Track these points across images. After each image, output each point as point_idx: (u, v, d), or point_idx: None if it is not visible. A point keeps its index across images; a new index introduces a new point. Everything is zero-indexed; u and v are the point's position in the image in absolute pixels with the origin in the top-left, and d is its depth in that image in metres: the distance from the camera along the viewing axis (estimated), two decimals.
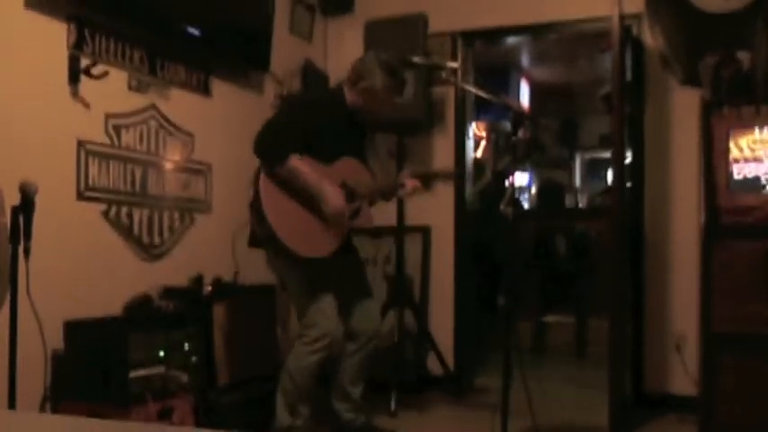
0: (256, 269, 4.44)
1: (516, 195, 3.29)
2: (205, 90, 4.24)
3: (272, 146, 3.34)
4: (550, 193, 9.36)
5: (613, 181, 4.26)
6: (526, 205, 10.17)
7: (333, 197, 3.40)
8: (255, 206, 3.35)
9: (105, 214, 3.56)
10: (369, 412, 3.85)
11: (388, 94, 3.62)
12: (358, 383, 3.73)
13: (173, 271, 3.89)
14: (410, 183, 3.67)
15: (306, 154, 3.39)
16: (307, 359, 3.44)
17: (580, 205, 10.39)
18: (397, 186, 3.70)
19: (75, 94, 3.39)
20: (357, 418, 3.73)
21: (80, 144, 3.42)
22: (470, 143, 5.35)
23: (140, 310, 3.47)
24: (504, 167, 3.34)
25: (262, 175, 3.34)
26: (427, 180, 3.75)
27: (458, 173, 4.12)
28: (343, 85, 3.66)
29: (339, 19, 5.41)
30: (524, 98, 9.79)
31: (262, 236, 3.41)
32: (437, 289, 5.17)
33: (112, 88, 3.59)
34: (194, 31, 3.96)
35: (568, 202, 10.20)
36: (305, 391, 3.49)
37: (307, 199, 3.39)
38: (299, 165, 3.35)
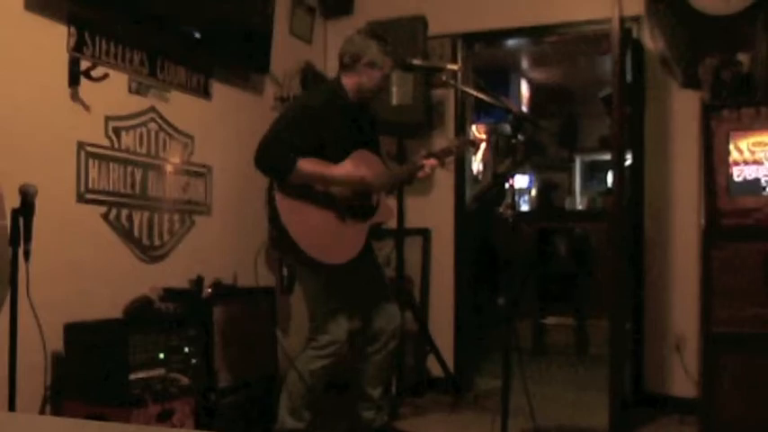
0: (256, 271, 4.45)
1: (516, 197, 3.28)
2: (205, 92, 4.24)
3: (275, 158, 3.29)
4: (548, 193, 9.39)
5: (613, 183, 4.26)
6: (525, 207, 10.18)
7: (345, 173, 3.38)
8: (274, 219, 3.31)
9: (105, 216, 3.56)
10: (389, 412, 3.87)
11: (387, 62, 3.58)
12: (378, 385, 3.73)
13: (173, 273, 3.89)
14: (428, 163, 3.65)
15: (313, 157, 3.36)
16: (315, 364, 3.44)
17: (579, 207, 10.39)
18: (417, 170, 3.68)
19: (75, 96, 3.39)
20: (377, 418, 3.74)
21: (80, 146, 3.42)
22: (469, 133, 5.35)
23: (140, 312, 3.46)
24: (504, 170, 3.33)
25: (277, 192, 3.29)
26: (443, 157, 3.74)
27: (471, 141, 4.07)
28: (340, 75, 3.60)
29: (339, 21, 5.41)
30: (524, 100, 9.79)
31: (283, 248, 3.40)
32: (437, 290, 5.17)
33: (112, 90, 3.59)
34: (194, 33, 3.97)
35: (567, 203, 10.21)
36: (310, 396, 3.48)
37: (323, 203, 3.37)
38: (307, 167, 3.31)
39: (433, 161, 3.66)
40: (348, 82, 3.57)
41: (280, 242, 3.39)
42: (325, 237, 3.36)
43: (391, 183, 3.70)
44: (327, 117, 3.46)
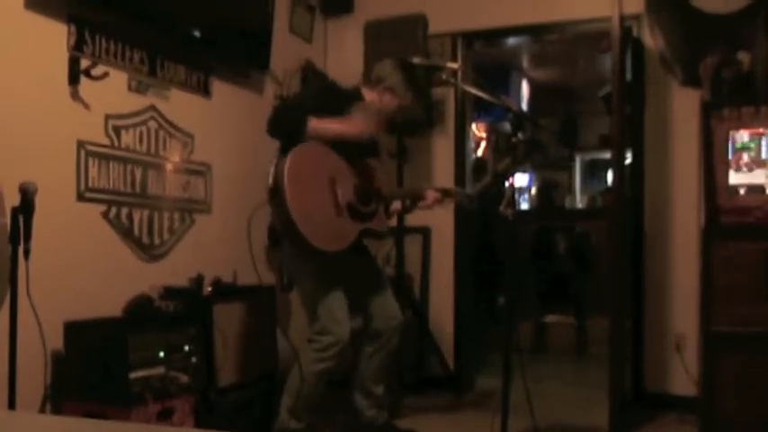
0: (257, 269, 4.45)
1: (515, 196, 3.28)
2: (205, 90, 4.24)
3: (288, 117, 3.31)
4: (548, 192, 9.40)
5: (613, 181, 4.26)
6: (525, 206, 10.19)
7: (354, 125, 3.42)
8: (276, 192, 3.25)
9: (105, 215, 3.56)
10: (389, 411, 3.87)
11: (407, 96, 3.64)
12: (380, 382, 3.75)
13: (173, 271, 3.89)
14: (432, 194, 3.67)
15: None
16: (317, 366, 3.43)
17: (580, 205, 10.40)
18: (419, 196, 3.71)
19: (75, 94, 3.39)
20: (379, 416, 3.75)
21: (80, 145, 3.42)
22: (470, 144, 5.36)
23: (140, 311, 3.46)
24: (504, 169, 3.33)
25: (287, 163, 3.24)
26: (444, 196, 3.77)
27: (473, 196, 4.12)
28: (361, 86, 3.67)
29: (339, 19, 5.41)
30: (524, 99, 9.79)
31: (278, 224, 3.37)
32: (437, 289, 5.17)
33: (112, 89, 3.59)
34: (194, 32, 3.97)
35: (568, 202, 10.21)
36: (312, 397, 3.48)
37: (327, 189, 3.37)
38: (319, 122, 3.32)
39: (436, 194, 3.69)
40: (366, 96, 3.64)
41: (275, 216, 3.37)
42: (316, 218, 3.32)
43: (389, 199, 3.72)
44: (343, 102, 3.51)
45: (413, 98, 3.70)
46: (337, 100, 3.52)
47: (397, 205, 3.80)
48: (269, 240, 3.71)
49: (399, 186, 4.62)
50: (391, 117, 3.71)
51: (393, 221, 4.68)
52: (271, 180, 3.29)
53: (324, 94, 3.55)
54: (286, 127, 3.32)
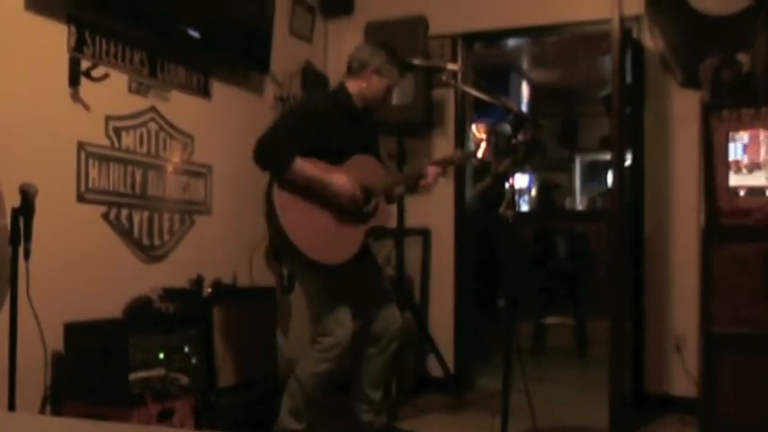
0: (256, 271, 4.46)
1: (515, 197, 3.28)
2: (205, 92, 4.24)
3: (273, 153, 3.30)
4: (548, 193, 9.40)
5: (613, 183, 4.26)
6: (525, 207, 10.18)
7: (340, 184, 3.37)
8: (271, 216, 3.31)
9: (105, 216, 3.56)
10: (388, 414, 3.87)
11: (393, 74, 3.61)
12: (379, 387, 3.74)
13: (173, 273, 3.89)
14: (432, 171, 3.65)
15: (313, 158, 3.37)
16: (319, 366, 3.45)
17: (579, 207, 10.40)
18: (419, 176, 3.68)
19: (75, 96, 3.39)
20: (377, 420, 3.74)
21: (80, 146, 3.42)
22: (470, 145, 5.36)
23: (140, 312, 3.47)
24: (504, 170, 3.33)
25: (275, 187, 3.30)
26: (444, 166, 3.74)
27: (472, 154, 4.11)
28: (346, 80, 3.62)
29: (339, 20, 5.41)
30: (524, 100, 9.79)
31: (279, 245, 3.39)
32: (437, 290, 5.17)
33: (113, 90, 3.59)
34: (194, 33, 3.97)
35: (567, 203, 10.21)
36: (312, 397, 3.49)
37: (322, 203, 3.37)
38: (304, 166, 3.32)
39: (436, 169, 3.66)
40: (353, 87, 3.59)
41: (275, 239, 3.39)
42: (320, 235, 3.35)
43: (388, 190, 3.69)
44: (329, 120, 3.48)
45: (398, 75, 3.67)
46: (320, 125, 3.44)
47: (399, 189, 3.78)
48: (271, 254, 3.71)
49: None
50: (383, 99, 3.66)
51: (393, 223, 4.68)
52: (265, 205, 3.32)
53: (304, 122, 3.44)
54: (269, 164, 3.33)
